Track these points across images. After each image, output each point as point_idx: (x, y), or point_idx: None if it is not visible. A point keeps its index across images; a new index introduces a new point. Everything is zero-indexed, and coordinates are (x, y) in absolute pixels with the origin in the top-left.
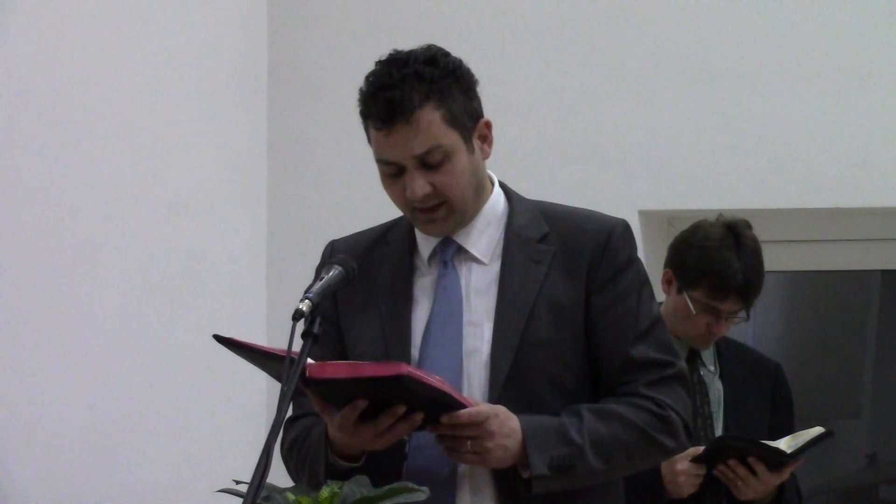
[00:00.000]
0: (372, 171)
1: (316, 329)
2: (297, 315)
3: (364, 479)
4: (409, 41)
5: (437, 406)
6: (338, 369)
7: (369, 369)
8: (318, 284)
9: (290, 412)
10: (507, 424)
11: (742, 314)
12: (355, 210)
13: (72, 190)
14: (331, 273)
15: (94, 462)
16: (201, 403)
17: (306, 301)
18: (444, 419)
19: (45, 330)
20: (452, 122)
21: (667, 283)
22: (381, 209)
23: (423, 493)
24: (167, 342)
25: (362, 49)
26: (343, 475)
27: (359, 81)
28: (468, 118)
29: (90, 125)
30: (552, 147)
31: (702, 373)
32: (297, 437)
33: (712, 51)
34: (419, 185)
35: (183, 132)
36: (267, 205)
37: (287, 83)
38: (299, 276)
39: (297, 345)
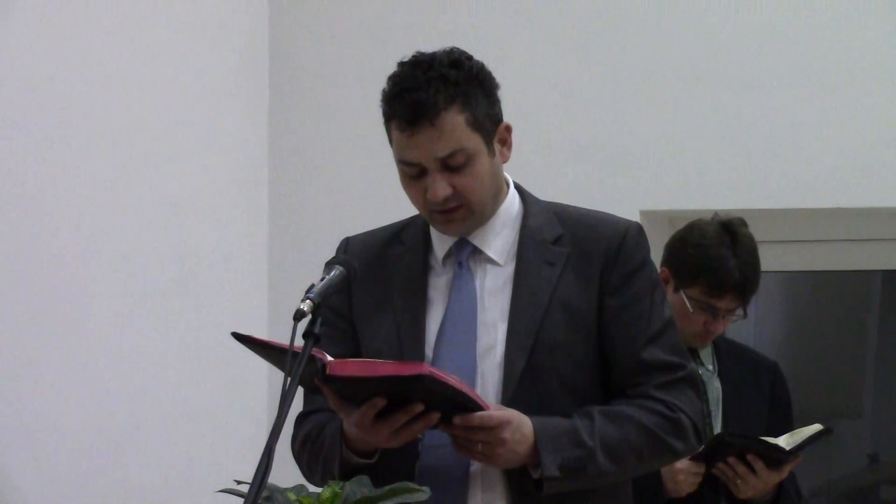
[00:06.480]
0: (374, 171)
1: (317, 329)
2: (299, 315)
3: (365, 478)
4: (411, 42)
5: (454, 406)
6: (359, 367)
7: (391, 368)
8: (320, 284)
9: (301, 408)
10: (520, 430)
11: (739, 312)
12: (357, 210)
13: (72, 190)
14: (332, 273)
15: (94, 462)
16: (202, 403)
17: (308, 301)
18: (457, 420)
19: (45, 330)
20: (475, 125)
21: (663, 282)
22: (383, 208)
23: (425, 492)
24: (168, 342)
25: (363, 50)
26: (357, 471)
27: (360, 82)
28: (490, 122)
29: (91, 125)
30: (554, 147)
31: (700, 372)
32: (309, 432)
33: (713, 52)
34: (441, 186)
35: (184, 132)
36: (268, 205)
37: (288, 83)
38: (301, 276)
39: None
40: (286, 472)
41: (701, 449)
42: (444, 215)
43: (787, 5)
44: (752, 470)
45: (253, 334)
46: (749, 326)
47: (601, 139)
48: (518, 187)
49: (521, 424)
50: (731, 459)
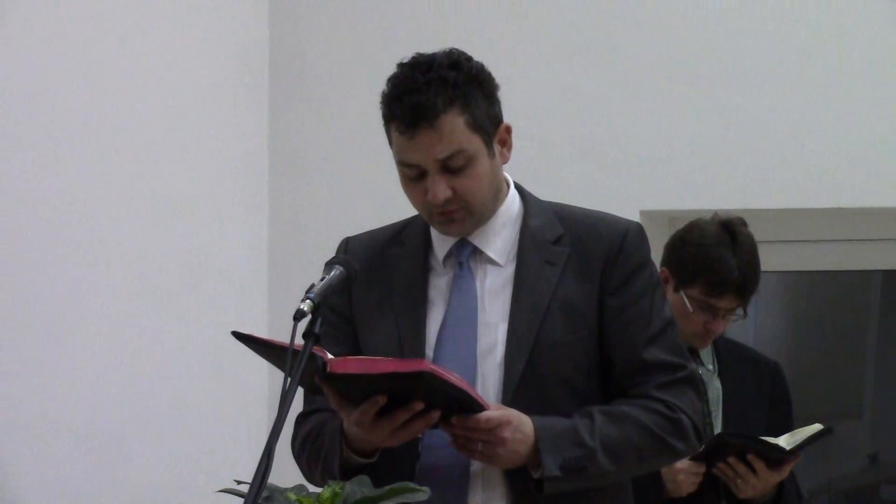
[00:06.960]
0: (374, 171)
1: (317, 329)
2: (299, 315)
3: (365, 478)
4: (411, 41)
5: (454, 404)
6: (360, 365)
7: (392, 365)
8: (320, 285)
9: (301, 408)
10: (520, 430)
11: (739, 311)
12: (357, 209)
13: (72, 190)
14: (332, 273)
15: (94, 462)
16: (202, 403)
17: (307, 301)
18: (455, 421)
19: (45, 330)
20: (475, 127)
21: (663, 282)
22: (383, 208)
23: (425, 492)
24: (168, 342)
25: (363, 48)
26: (357, 471)
27: (360, 81)
28: (490, 123)
29: (90, 124)
30: (554, 147)
31: (700, 372)
32: (310, 432)
33: (713, 51)
34: (441, 189)
35: (184, 132)
36: (268, 204)
37: (288, 82)
38: (300, 276)
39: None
40: (286, 472)
41: (701, 449)
42: (444, 216)
43: (787, 5)
44: (753, 470)
45: (253, 333)
46: (749, 326)
47: (601, 139)
48: (518, 187)
49: (521, 424)
50: (732, 459)
